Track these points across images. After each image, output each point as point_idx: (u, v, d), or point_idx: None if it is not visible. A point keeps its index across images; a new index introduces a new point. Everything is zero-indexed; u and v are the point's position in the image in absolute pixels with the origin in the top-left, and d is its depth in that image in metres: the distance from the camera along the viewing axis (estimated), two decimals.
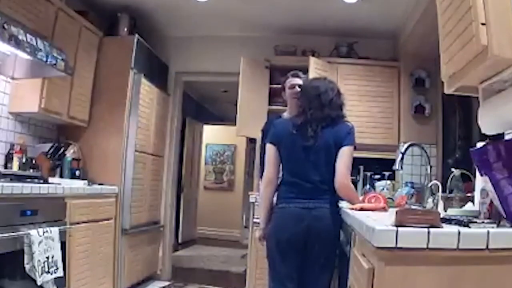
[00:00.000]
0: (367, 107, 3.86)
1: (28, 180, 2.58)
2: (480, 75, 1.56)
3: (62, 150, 3.44)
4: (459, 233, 1.12)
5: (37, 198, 2.47)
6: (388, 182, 3.02)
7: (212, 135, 8.24)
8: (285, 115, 2.94)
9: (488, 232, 1.12)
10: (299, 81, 2.89)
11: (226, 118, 6.95)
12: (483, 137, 1.86)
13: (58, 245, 2.49)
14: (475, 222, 1.21)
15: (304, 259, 2.15)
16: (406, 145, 2.73)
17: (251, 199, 3.68)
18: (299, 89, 2.80)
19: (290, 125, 2.24)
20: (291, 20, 4.06)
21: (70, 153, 3.48)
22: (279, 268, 2.19)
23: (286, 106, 4.04)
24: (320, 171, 2.16)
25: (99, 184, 3.41)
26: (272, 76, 4.07)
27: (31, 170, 3.02)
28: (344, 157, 2.14)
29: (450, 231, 1.14)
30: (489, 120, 1.67)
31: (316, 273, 2.17)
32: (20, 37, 2.43)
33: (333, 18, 3.95)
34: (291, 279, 2.16)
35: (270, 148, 2.27)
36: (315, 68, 3.76)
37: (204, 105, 7.74)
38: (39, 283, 2.30)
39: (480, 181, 1.49)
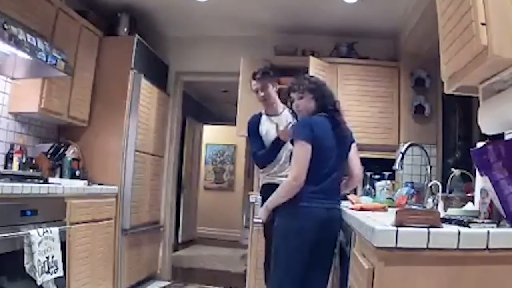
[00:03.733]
0: (367, 107, 3.85)
1: (28, 180, 2.58)
2: (480, 75, 1.56)
3: (62, 150, 3.43)
4: (459, 233, 1.12)
5: (37, 198, 2.47)
6: (388, 182, 3.02)
7: (212, 135, 8.24)
8: (263, 111, 3.00)
9: (488, 232, 1.12)
10: (257, 84, 2.93)
11: (226, 118, 6.94)
12: (483, 137, 1.86)
13: (58, 245, 2.49)
14: (475, 222, 1.21)
15: (311, 258, 2.15)
16: (406, 145, 2.73)
17: (251, 199, 3.68)
18: (262, 93, 2.92)
19: (327, 123, 2.20)
20: (291, 20, 4.06)
21: (70, 153, 3.48)
22: (295, 267, 2.14)
23: (286, 104, 4.07)
24: (340, 171, 2.22)
25: (99, 184, 3.40)
26: None
27: (31, 170, 3.02)
28: (357, 152, 2.33)
29: (450, 231, 1.14)
30: (489, 120, 1.67)
31: (319, 272, 2.22)
32: (20, 37, 2.42)
33: (333, 18, 3.95)
34: (299, 277, 2.15)
35: (307, 147, 2.12)
36: (315, 68, 3.76)
37: (204, 105, 7.73)
38: (39, 283, 2.29)
39: (480, 181, 1.49)
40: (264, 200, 2.89)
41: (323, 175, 2.15)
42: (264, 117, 2.98)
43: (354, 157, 2.28)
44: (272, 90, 2.95)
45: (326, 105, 2.26)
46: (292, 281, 2.15)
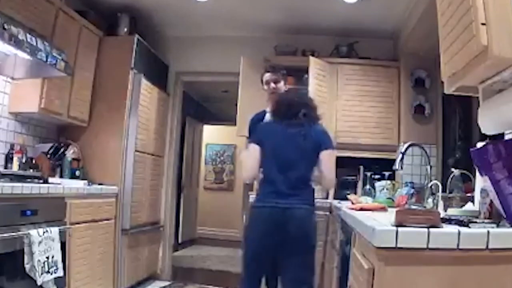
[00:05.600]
0: (367, 107, 3.86)
1: (28, 180, 2.58)
2: (480, 75, 1.56)
3: (62, 150, 3.43)
4: (459, 233, 1.12)
5: (37, 198, 2.47)
6: (388, 182, 3.02)
7: (212, 135, 8.23)
8: (268, 110, 3.00)
9: (488, 232, 1.12)
10: (272, 76, 2.98)
11: (226, 118, 6.94)
12: (483, 137, 1.86)
13: (58, 245, 2.49)
14: (475, 222, 1.21)
15: (277, 261, 2.23)
16: (406, 145, 2.73)
17: (251, 199, 3.67)
18: (273, 85, 2.96)
19: (278, 126, 2.39)
20: (291, 20, 4.06)
21: (70, 153, 3.48)
22: (253, 269, 2.33)
23: None
24: (301, 171, 2.29)
25: (99, 184, 3.40)
26: None
27: (31, 170, 3.02)
28: (328, 160, 2.35)
29: (450, 231, 1.14)
30: (489, 120, 1.67)
31: (289, 280, 2.24)
32: (20, 37, 2.42)
33: (333, 18, 3.95)
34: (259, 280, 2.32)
35: (253, 147, 2.40)
36: (315, 68, 3.76)
37: (204, 105, 7.73)
38: (39, 283, 2.29)
39: (480, 181, 1.49)
40: None
41: (275, 175, 2.27)
42: (268, 115, 2.95)
43: (323, 163, 2.30)
44: (283, 87, 3.00)
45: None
46: (251, 284, 2.30)
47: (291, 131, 2.31)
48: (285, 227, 2.17)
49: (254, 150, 2.33)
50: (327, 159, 2.29)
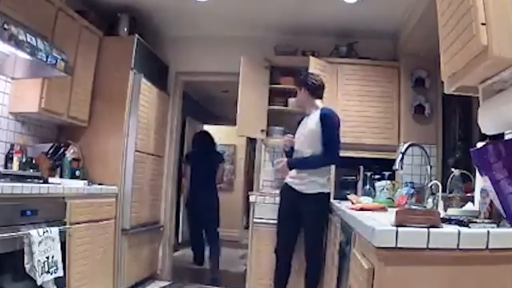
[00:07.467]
0: (367, 107, 3.86)
1: (28, 180, 2.58)
2: (480, 75, 1.56)
3: (62, 150, 3.43)
4: (459, 233, 1.12)
5: (37, 198, 2.47)
6: (388, 182, 3.02)
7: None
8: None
9: (488, 232, 1.12)
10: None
11: (226, 118, 6.94)
12: (483, 137, 1.86)
13: (58, 245, 2.49)
14: (475, 222, 1.21)
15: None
16: (406, 145, 2.73)
17: (251, 199, 3.68)
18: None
19: (200, 151, 5.03)
20: (291, 20, 4.06)
21: (70, 153, 3.48)
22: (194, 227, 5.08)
23: (286, 106, 4.08)
24: (206, 175, 4.84)
25: (99, 184, 3.40)
26: (272, 76, 4.08)
27: (31, 170, 3.02)
28: (220, 167, 4.97)
29: (450, 231, 1.14)
30: (489, 120, 1.67)
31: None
32: (20, 37, 2.42)
33: (333, 18, 3.95)
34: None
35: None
36: (315, 68, 3.76)
37: (204, 105, 7.73)
38: (39, 283, 2.30)
39: (480, 181, 1.49)
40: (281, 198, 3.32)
41: (196, 180, 4.81)
42: (305, 117, 3.26)
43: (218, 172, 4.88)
44: (299, 94, 3.21)
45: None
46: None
47: (202, 156, 4.77)
48: (203, 206, 4.69)
49: (187, 170, 4.93)
50: (220, 170, 4.86)
